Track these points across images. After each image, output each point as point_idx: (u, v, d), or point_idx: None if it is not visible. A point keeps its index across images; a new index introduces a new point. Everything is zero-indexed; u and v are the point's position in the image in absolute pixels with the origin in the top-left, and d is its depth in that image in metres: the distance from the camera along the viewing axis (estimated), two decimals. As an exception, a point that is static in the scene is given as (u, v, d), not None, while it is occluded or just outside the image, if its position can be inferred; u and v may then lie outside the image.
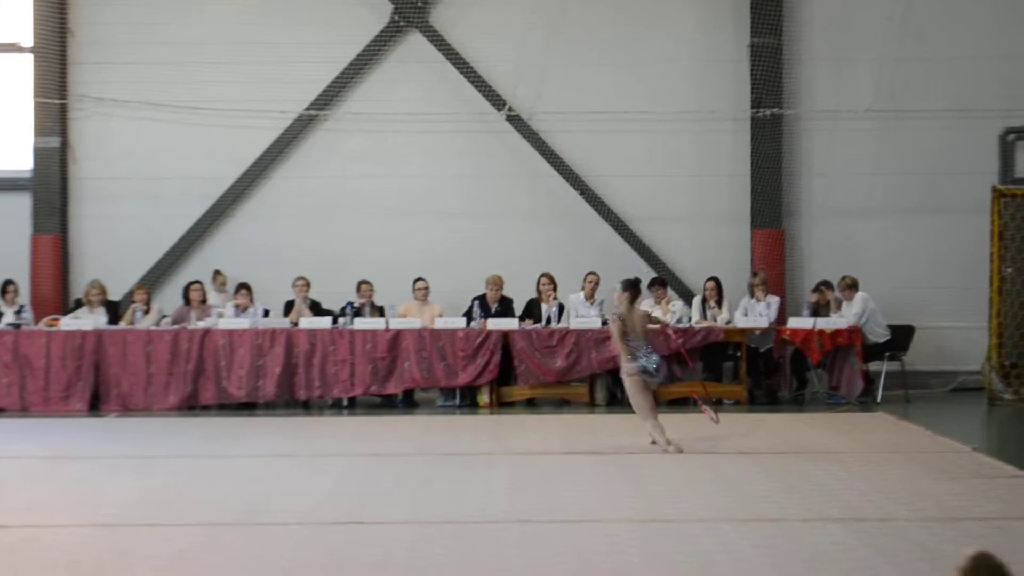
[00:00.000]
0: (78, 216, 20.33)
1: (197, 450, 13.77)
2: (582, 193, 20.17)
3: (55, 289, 19.78)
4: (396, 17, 20.22)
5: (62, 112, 20.19)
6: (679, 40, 20.35)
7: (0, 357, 17.33)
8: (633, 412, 13.68)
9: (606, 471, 12.10)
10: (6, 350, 17.34)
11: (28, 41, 20.23)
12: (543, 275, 18.71)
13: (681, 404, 17.13)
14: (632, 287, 13.59)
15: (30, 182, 20.11)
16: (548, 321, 18.28)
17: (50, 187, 20.07)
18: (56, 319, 18.05)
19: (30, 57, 20.22)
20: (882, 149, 20.18)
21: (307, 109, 20.21)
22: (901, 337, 18.59)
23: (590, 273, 18.75)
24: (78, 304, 18.74)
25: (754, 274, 18.89)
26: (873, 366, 18.25)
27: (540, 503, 10.53)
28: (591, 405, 17.66)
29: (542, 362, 17.53)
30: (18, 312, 18.22)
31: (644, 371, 13.41)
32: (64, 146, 20.22)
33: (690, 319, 18.35)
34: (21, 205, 20.09)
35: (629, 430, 14.26)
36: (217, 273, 19.38)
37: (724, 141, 20.29)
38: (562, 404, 17.88)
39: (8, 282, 18.52)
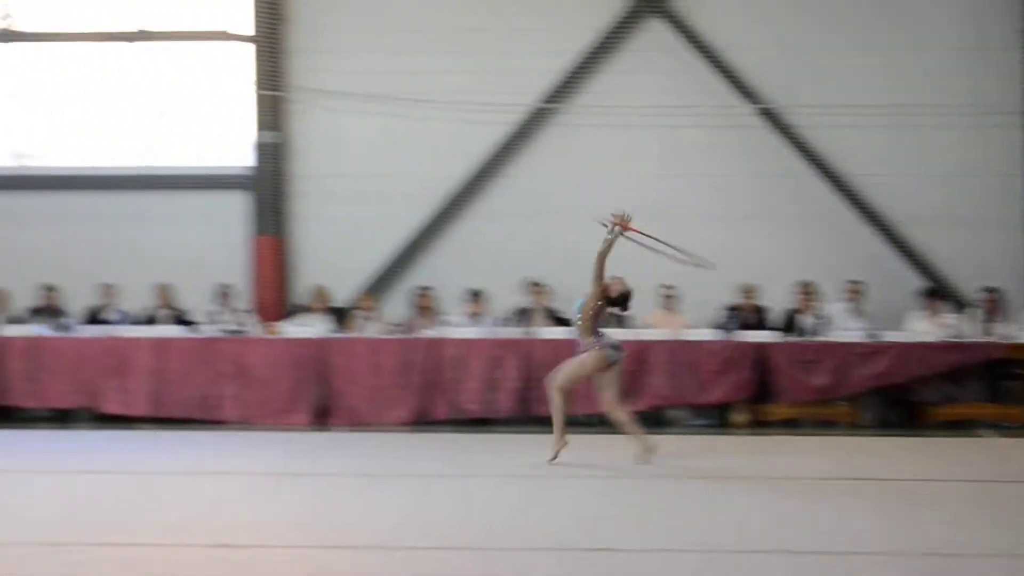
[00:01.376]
0: (299, 216, 20.74)
1: (429, 468, 13.91)
2: (842, 194, 19.89)
3: (276, 293, 20.21)
4: (636, 3, 20.20)
5: (281, 106, 20.60)
6: (943, 26, 19.94)
7: (221, 367, 17.74)
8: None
9: (874, 498, 11.89)
10: (227, 359, 17.72)
11: (249, 29, 20.68)
12: (801, 283, 18.50)
13: (960, 427, 16.77)
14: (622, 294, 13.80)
15: (249, 180, 20.57)
16: (807, 334, 18.07)
17: (271, 185, 20.50)
18: (278, 326, 18.42)
19: (251, 47, 20.68)
20: None
21: (539, 102, 20.31)
22: None
23: (853, 281, 18.48)
24: (299, 310, 19.12)
25: (1039, 284, 18.42)
26: None
27: (804, 531, 10.39)
28: (856, 426, 17.40)
29: (801, 378, 17.33)
30: (239, 318, 18.64)
31: (613, 346, 13.79)
32: (283, 142, 20.64)
33: (966, 334, 17.93)
34: (242, 204, 20.55)
35: (900, 455, 14.01)
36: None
37: (993, 137, 19.81)
38: (824, 425, 17.65)
39: (226, 286, 18.98)
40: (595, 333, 13.86)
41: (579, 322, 13.91)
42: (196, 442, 16.21)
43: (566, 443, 14.03)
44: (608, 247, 13.87)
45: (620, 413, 14.11)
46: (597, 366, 13.87)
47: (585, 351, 13.87)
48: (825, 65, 20.07)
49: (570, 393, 14.23)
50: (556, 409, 14.11)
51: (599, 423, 17.48)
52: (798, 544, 9.93)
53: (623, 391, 14.53)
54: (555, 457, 13.95)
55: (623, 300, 14.08)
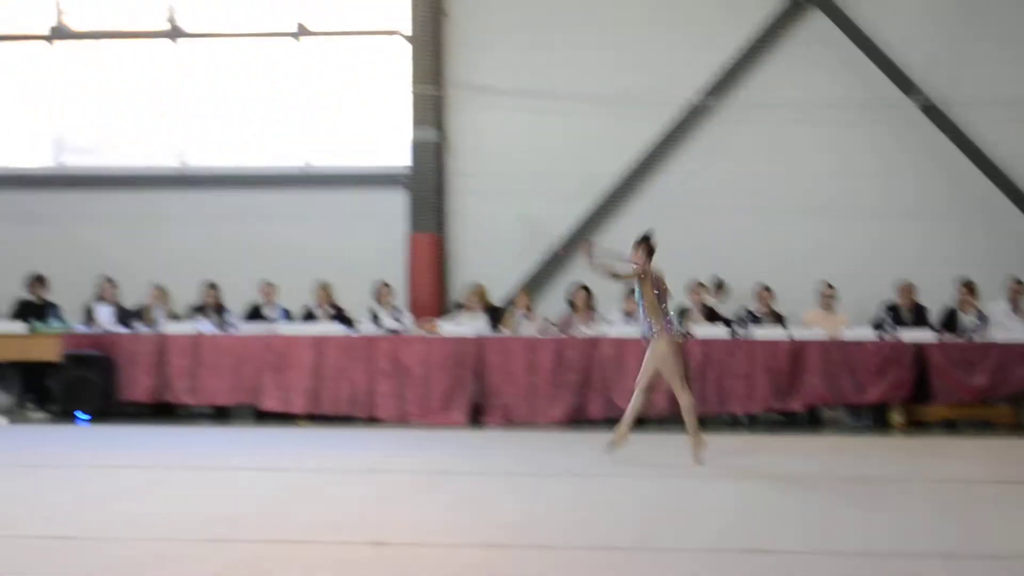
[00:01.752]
0: (455, 213, 20.91)
1: (585, 468, 13.97)
2: (1005, 191, 19.61)
3: (433, 291, 20.40)
4: (795, -5, 20.14)
5: (438, 103, 20.77)
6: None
7: (378, 364, 17.94)
8: None
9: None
10: (384, 357, 17.94)
11: (406, 27, 20.88)
12: (962, 281, 18.28)
13: None
14: (646, 240, 13.70)
15: (407, 177, 20.78)
16: (967, 333, 17.85)
17: (428, 182, 20.68)
18: (435, 324, 18.60)
19: (408, 44, 20.88)
20: None
21: (697, 97, 20.28)
22: None
23: (1015, 280, 18.23)
24: (457, 307, 19.28)
25: None
26: None
27: (965, 536, 10.30)
28: (1017, 429, 17.16)
29: (961, 379, 17.14)
30: (396, 316, 18.84)
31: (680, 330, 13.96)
32: (442, 138, 20.81)
33: None
34: (399, 202, 20.76)
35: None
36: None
37: None
38: (984, 426, 17.43)
39: (383, 284, 19.19)
40: (663, 317, 13.88)
41: (645, 312, 13.92)
42: (353, 439, 16.46)
43: (627, 440, 14.26)
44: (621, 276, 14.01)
45: (686, 399, 14.10)
46: (673, 351, 13.89)
47: (654, 338, 13.90)
48: (994, 57, 19.78)
49: (651, 391, 14.39)
50: (632, 406, 14.26)
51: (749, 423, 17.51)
52: (956, 548, 9.86)
53: (689, 379, 14.55)
54: (610, 449, 14.14)
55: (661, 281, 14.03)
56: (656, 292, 13.84)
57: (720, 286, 18.93)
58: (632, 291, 14.35)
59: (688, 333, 14.29)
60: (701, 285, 18.74)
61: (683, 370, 14.06)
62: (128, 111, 21.85)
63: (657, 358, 13.93)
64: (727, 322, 18.32)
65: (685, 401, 14.07)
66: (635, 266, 13.76)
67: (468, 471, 13.77)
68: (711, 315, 18.59)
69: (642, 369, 14.16)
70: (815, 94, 20.07)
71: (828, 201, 20.09)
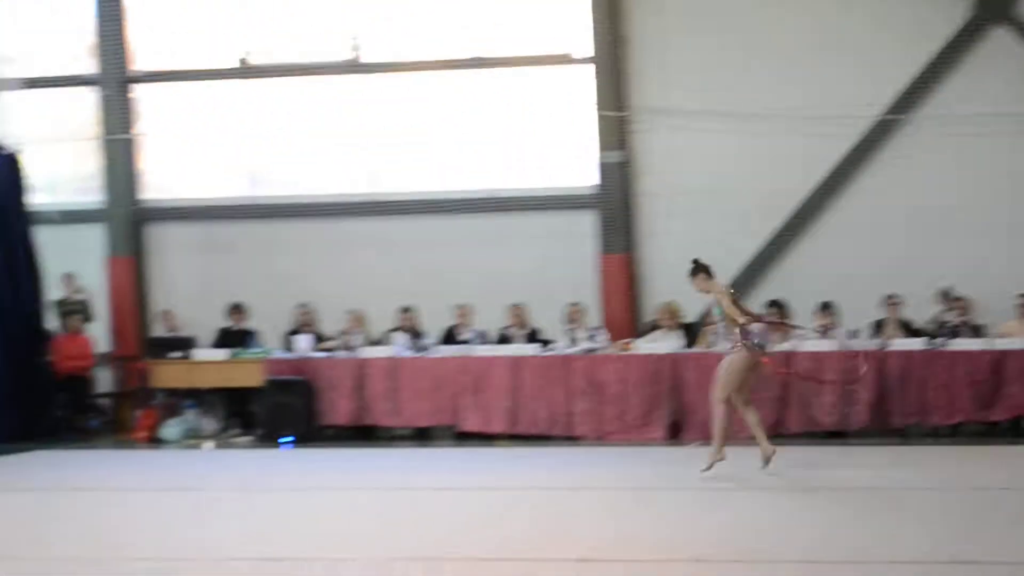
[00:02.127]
0: (645, 234, 20.98)
1: (784, 482, 13.97)
2: None
3: (625, 311, 20.47)
4: (978, 11, 19.86)
5: (624, 125, 20.88)
6: None
7: (575, 383, 18.10)
8: None
9: None
10: (581, 376, 18.10)
11: (588, 52, 21.04)
12: None
13: None
14: (703, 267, 14.57)
15: (595, 199, 20.93)
16: None
17: (616, 204, 20.80)
18: (630, 343, 18.70)
19: (591, 68, 21.04)
20: None
21: (883, 113, 20.13)
22: None
23: None
24: (651, 326, 19.35)
25: None
26: None
27: None
28: None
29: None
30: (591, 336, 18.97)
31: (758, 343, 14.46)
32: (627, 160, 20.92)
33: None
34: (588, 223, 20.91)
35: None
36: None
37: None
38: None
39: (576, 304, 19.33)
40: (741, 329, 14.26)
41: (723, 323, 14.54)
42: (553, 458, 16.60)
43: (723, 457, 14.34)
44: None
45: (752, 416, 14.54)
46: (746, 364, 14.26)
47: (731, 350, 14.36)
48: None
49: (732, 404, 14.53)
50: (718, 422, 14.50)
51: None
52: None
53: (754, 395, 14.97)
54: (708, 468, 14.29)
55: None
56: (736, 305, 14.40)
57: (950, 295, 18.70)
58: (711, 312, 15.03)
59: (764, 348, 14.70)
60: (893, 297, 18.59)
61: (749, 386, 14.55)
62: (318, 141, 22.25)
63: (723, 367, 14.42)
64: (923, 334, 18.13)
65: (721, 415, 14.50)
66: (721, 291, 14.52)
67: (669, 486, 13.86)
68: (906, 327, 18.44)
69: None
70: (1001, 108, 19.79)
71: (1019, 213, 19.79)
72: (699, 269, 14.62)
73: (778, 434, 17.45)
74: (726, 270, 20.19)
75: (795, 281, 19.97)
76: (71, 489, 14.47)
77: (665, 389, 17.88)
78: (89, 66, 22.40)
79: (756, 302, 19.53)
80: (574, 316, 19.22)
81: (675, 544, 10.64)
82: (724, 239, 20.29)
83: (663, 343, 18.53)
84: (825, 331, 18.20)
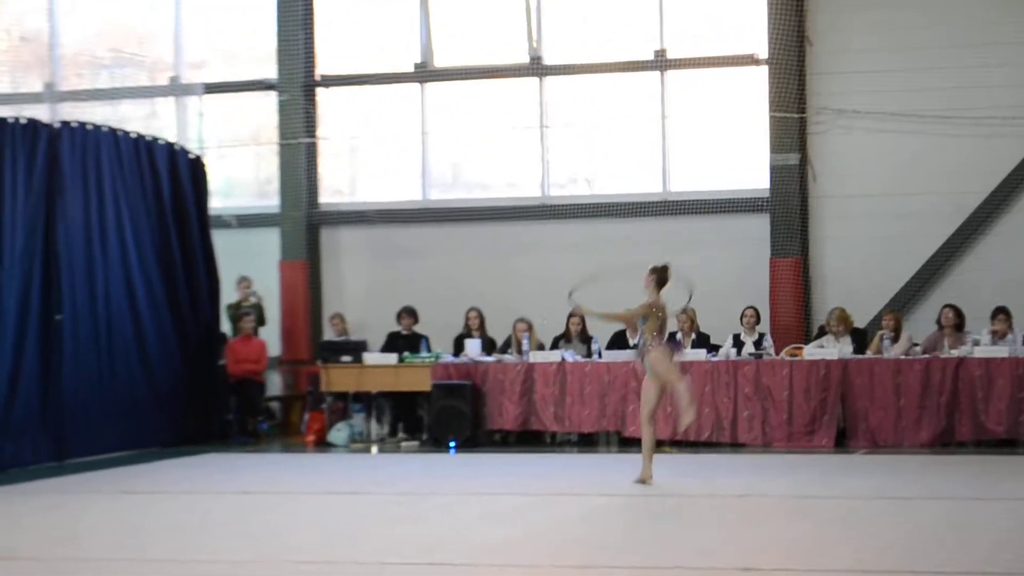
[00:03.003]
0: (818, 237, 20.73)
1: (955, 491, 13.72)
2: None
3: (796, 315, 20.24)
4: None
5: (800, 127, 20.66)
6: None
7: (742, 389, 18.00)
8: None
9: None
10: (747, 381, 17.99)
11: (764, 53, 20.85)
12: None
13: None
14: (657, 271, 14.55)
15: (767, 202, 20.73)
16: None
17: (789, 207, 20.58)
18: (799, 348, 18.50)
19: (766, 69, 20.84)
20: None
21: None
22: None
23: None
24: (821, 331, 19.13)
25: None
26: None
27: None
28: None
29: None
30: (758, 341, 18.81)
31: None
32: (803, 163, 20.69)
33: None
34: (759, 227, 20.73)
35: None
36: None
37: None
38: None
39: (746, 309, 19.16)
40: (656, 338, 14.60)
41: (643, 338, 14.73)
42: (718, 464, 16.50)
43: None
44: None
45: (648, 430, 14.59)
46: (664, 364, 14.48)
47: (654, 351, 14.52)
48: None
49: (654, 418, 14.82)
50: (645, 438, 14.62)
51: None
52: None
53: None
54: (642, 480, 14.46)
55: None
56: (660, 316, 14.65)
57: None
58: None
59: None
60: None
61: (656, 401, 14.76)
62: (494, 145, 22.37)
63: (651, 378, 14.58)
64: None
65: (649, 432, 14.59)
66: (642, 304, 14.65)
67: (836, 495, 13.67)
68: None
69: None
70: None
71: None
72: (657, 273, 14.77)
73: (948, 442, 17.22)
74: (900, 273, 20.01)
75: (970, 285, 19.61)
76: (240, 492, 14.68)
77: (833, 396, 17.71)
78: (269, 71, 22.76)
79: (931, 306, 19.27)
80: (749, 320, 19.06)
81: (839, 553, 10.50)
82: (898, 242, 20.11)
83: (832, 349, 18.30)
84: (1000, 337, 17.83)
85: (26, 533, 12.18)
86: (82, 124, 18.62)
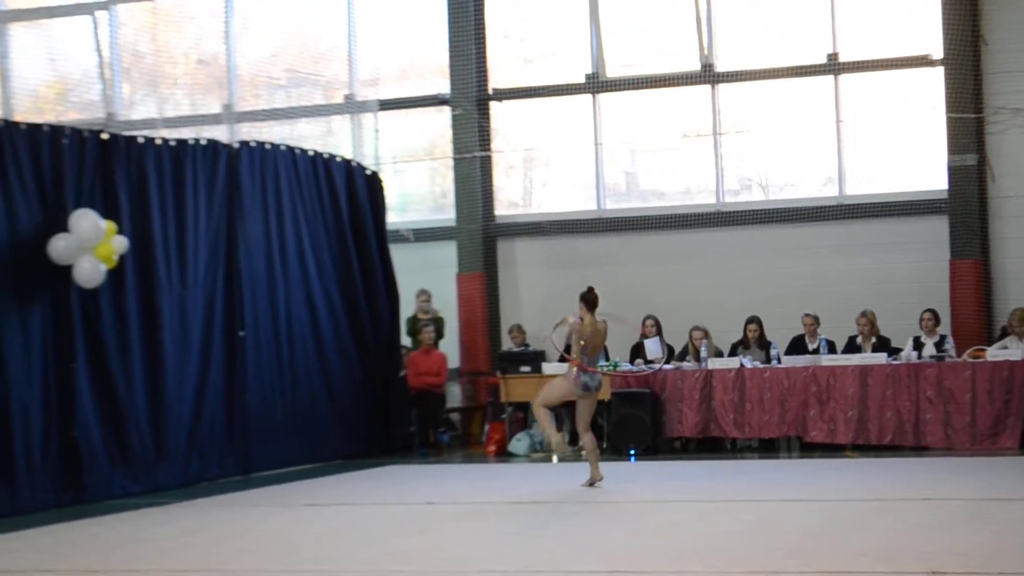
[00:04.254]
0: (998, 238, 20.49)
1: None
2: None
3: (977, 317, 20.01)
4: None
5: (977, 127, 20.42)
6: None
7: (923, 392, 17.87)
8: None
9: None
10: (929, 384, 17.86)
11: (938, 53, 20.65)
12: None
13: None
14: (583, 297, 15.21)
15: (946, 203, 20.52)
16: None
17: (967, 208, 20.36)
18: (981, 350, 18.30)
19: (941, 70, 20.64)
20: None
21: None
22: None
23: None
24: (1003, 332, 18.89)
25: None
26: None
27: None
28: None
29: None
30: (939, 343, 18.64)
31: (585, 387, 15.23)
32: (981, 163, 20.45)
33: None
34: (937, 229, 20.52)
35: None
36: None
37: None
38: None
39: (928, 311, 18.99)
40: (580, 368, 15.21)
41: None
42: (901, 468, 16.37)
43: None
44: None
45: (589, 438, 15.47)
46: (563, 394, 15.53)
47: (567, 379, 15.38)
48: None
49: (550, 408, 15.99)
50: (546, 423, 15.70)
51: None
52: None
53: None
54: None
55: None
56: (582, 343, 15.20)
57: None
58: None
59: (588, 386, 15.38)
60: None
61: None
62: (665, 153, 22.45)
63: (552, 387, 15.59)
64: None
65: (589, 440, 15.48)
66: (573, 319, 15.25)
67: (1021, 498, 13.50)
68: None
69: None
70: None
71: None
72: (585, 298, 15.41)
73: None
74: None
75: None
76: (425, 503, 14.85)
77: (1017, 397, 17.54)
78: (442, 86, 23.05)
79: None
80: (927, 323, 18.89)
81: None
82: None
83: (1015, 350, 18.09)
84: None
85: (216, 546, 12.48)
86: (260, 143, 19.01)
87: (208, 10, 24.20)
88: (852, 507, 13.41)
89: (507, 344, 21.45)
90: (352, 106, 23.52)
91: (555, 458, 18.82)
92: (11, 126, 15.66)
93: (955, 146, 20.54)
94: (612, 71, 22.39)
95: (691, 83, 22.00)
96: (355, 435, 19.83)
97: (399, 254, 21.46)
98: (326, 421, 19.43)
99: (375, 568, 11.06)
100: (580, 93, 22.59)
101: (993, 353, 18.12)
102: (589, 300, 15.32)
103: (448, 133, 23.04)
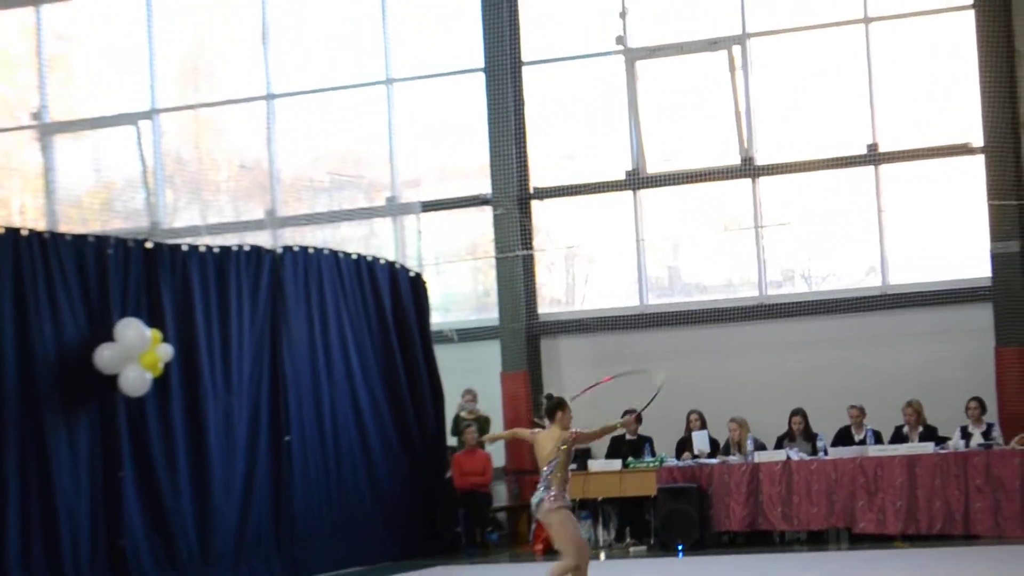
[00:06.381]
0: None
1: None
2: None
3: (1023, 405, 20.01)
4: None
5: (1019, 214, 20.52)
6: None
7: (972, 480, 17.86)
8: None
9: None
10: (978, 472, 17.85)
11: (979, 141, 20.82)
12: None
13: None
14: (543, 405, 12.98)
15: (990, 291, 20.59)
16: None
17: (1011, 295, 20.40)
18: (1027, 438, 18.33)
19: (982, 158, 20.80)
20: None
21: None
22: None
23: None
24: (1047, 420, 18.93)
25: None
26: None
27: None
28: None
29: None
30: (986, 432, 18.66)
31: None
32: (1022, 250, 20.53)
33: None
34: (981, 316, 20.58)
35: None
36: None
37: None
38: None
39: (974, 399, 19.03)
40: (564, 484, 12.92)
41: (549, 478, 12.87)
42: (951, 558, 16.36)
43: None
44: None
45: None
46: (569, 532, 13.05)
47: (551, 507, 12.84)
48: None
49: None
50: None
51: None
52: None
53: None
54: None
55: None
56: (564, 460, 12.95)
57: None
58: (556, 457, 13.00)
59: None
60: None
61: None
62: (707, 247, 22.65)
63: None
64: None
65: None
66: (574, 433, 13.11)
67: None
68: None
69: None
70: None
71: None
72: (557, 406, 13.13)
73: None
74: None
75: None
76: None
77: (1065, 485, 17.50)
78: (484, 186, 23.35)
79: None
80: (973, 412, 18.93)
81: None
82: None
83: (1063, 437, 18.10)
84: None
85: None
86: (303, 248, 19.19)
87: (250, 116, 24.62)
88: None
89: (553, 442, 21.47)
90: (394, 208, 23.80)
91: (602, 555, 18.86)
92: (56, 237, 15.97)
93: (997, 233, 20.62)
94: (652, 166, 22.59)
95: (732, 177, 22.16)
96: (402, 536, 19.84)
97: (443, 354, 21.56)
98: (373, 523, 19.47)
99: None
100: (621, 190, 22.79)
101: (1040, 440, 18.16)
102: (545, 408, 13.37)
103: (490, 232, 23.26)
